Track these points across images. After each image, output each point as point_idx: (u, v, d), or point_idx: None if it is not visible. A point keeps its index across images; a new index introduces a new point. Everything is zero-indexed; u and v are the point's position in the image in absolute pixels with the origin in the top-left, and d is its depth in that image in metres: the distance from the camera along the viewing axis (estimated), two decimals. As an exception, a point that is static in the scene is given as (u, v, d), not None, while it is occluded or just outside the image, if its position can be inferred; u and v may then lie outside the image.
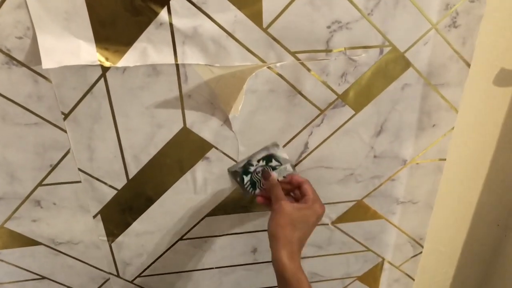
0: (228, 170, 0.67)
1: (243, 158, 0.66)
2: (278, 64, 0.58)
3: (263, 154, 0.66)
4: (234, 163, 0.66)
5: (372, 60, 0.60)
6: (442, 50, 0.61)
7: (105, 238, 0.71)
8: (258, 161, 0.66)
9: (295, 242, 0.55)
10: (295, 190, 0.63)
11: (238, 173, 0.67)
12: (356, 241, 0.80)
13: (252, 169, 0.66)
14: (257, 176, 0.65)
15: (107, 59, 0.54)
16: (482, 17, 0.59)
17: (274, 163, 0.66)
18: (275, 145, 0.66)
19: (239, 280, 0.82)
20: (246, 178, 0.66)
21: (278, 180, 0.63)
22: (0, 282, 0.73)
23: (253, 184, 0.66)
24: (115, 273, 0.76)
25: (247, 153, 0.66)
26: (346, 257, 0.83)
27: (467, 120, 0.70)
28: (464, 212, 0.84)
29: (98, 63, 0.54)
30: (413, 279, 0.89)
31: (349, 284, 0.87)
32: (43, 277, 0.74)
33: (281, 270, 0.53)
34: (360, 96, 0.63)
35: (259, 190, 0.66)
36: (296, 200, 0.62)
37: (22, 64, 0.53)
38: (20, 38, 0.52)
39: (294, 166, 0.68)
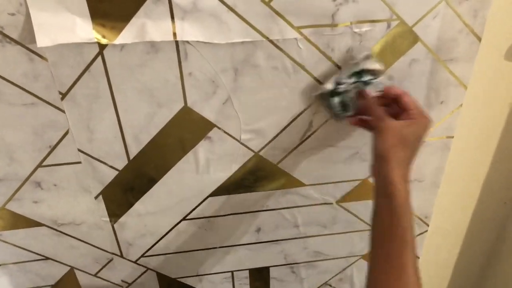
0: (315, 95, 0.60)
1: (330, 78, 0.58)
2: (281, 39, 0.56)
3: (354, 69, 0.58)
4: (237, 142, 0.65)
5: (379, 35, 0.58)
6: (452, 23, 0.58)
7: (108, 219, 0.71)
8: (349, 77, 0.57)
9: (407, 162, 0.51)
10: (392, 104, 0.57)
11: (325, 95, 0.59)
12: (361, 220, 0.80)
13: (342, 88, 0.57)
14: (349, 96, 0.58)
15: (103, 36, 0.52)
16: (495, -12, 0.56)
17: (366, 77, 0.57)
18: (367, 57, 0.58)
19: (242, 259, 0.82)
20: (337, 99, 0.58)
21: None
22: (3, 263, 0.73)
23: (344, 106, 0.59)
24: (119, 254, 0.76)
25: (249, 132, 0.65)
26: (350, 236, 0.82)
27: (476, 96, 0.68)
28: (471, 190, 0.83)
29: (95, 40, 0.52)
30: (418, 257, 0.88)
31: (353, 263, 0.87)
32: (47, 258, 0.74)
33: (393, 194, 0.48)
34: (366, 72, 0.61)
35: (352, 112, 0.59)
36: (394, 115, 0.55)
37: (16, 42, 0.52)
38: (13, 14, 0.49)
39: (391, 77, 0.60)
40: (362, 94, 0.57)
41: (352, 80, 0.57)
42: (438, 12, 0.57)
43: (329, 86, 0.58)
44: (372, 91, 0.57)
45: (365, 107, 0.56)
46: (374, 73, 0.58)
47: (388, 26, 0.57)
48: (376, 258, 0.50)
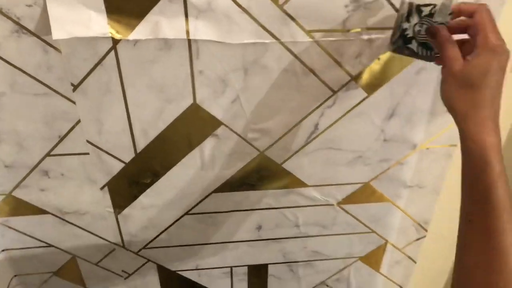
0: (391, 51, 0.55)
1: (390, 31, 0.54)
2: (292, 42, 0.57)
3: (407, 8, 0.51)
4: (243, 141, 0.66)
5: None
6: (462, 34, 0.59)
7: (112, 210, 0.72)
8: (408, 19, 0.51)
9: (482, 108, 0.42)
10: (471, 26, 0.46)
11: (400, 47, 0.53)
12: (361, 222, 0.81)
13: (410, 32, 0.51)
14: (422, 36, 0.51)
15: (118, 31, 0.53)
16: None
17: (426, 9, 0.50)
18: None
19: (242, 255, 0.83)
20: (413, 46, 0.52)
21: (447, 26, 0.48)
22: (7, 248, 0.75)
23: (424, 45, 0.52)
24: (121, 244, 0.77)
25: (256, 131, 0.65)
26: (349, 237, 0.83)
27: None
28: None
29: (109, 35, 0.53)
30: (415, 262, 0.89)
31: (350, 264, 0.88)
32: (50, 245, 0.75)
33: (479, 152, 0.41)
34: (374, 78, 0.62)
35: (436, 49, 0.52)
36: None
37: (31, 33, 0.52)
38: (30, 6, 0.50)
39: None
40: (432, 31, 0.48)
41: (415, 20, 0.51)
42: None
43: (396, 37, 0.53)
44: (442, 20, 0.49)
45: (439, 46, 0.47)
46: None
47: (398, 34, 0.58)
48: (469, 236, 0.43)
